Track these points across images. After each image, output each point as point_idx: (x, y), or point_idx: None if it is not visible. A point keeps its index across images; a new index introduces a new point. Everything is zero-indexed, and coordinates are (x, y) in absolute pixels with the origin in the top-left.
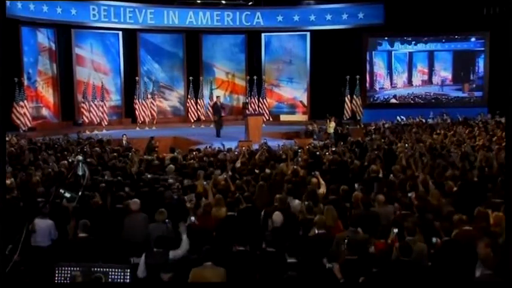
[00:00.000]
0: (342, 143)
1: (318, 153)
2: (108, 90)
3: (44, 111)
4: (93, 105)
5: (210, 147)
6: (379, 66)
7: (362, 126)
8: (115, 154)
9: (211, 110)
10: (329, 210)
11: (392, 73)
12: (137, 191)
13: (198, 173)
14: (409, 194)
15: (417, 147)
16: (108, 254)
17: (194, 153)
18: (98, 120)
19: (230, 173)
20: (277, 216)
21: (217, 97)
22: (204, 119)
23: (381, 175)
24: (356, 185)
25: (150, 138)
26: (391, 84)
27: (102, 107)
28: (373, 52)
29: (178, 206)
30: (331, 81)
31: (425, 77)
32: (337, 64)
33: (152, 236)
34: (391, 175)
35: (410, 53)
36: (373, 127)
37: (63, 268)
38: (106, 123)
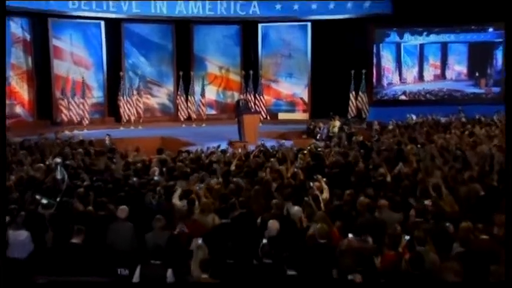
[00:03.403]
0: (345, 143)
1: (320, 153)
2: (89, 86)
3: (18, 109)
4: (73, 103)
5: (201, 148)
6: (387, 60)
7: (368, 125)
8: (93, 156)
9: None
10: (324, 217)
11: (402, 67)
12: (116, 196)
13: (190, 177)
14: (426, 202)
15: (429, 149)
16: (93, 264)
17: (183, 154)
18: (78, 119)
19: (221, 178)
20: (273, 224)
21: (242, 94)
22: (195, 117)
23: (388, 179)
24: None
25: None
26: (400, 79)
27: (83, 105)
28: (381, 44)
29: (158, 213)
30: (334, 77)
31: (438, 72)
32: (340, 58)
33: (149, 245)
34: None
35: (422, 45)
36: (378, 126)
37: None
38: (87, 122)
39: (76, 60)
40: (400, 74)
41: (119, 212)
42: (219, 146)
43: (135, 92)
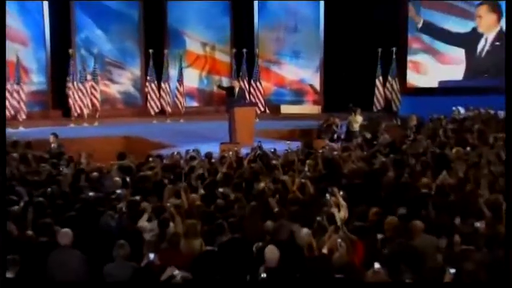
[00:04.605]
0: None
1: (336, 158)
2: (26, 69)
3: None
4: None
5: (179, 152)
6: (426, 34)
7: (401, 121)
8: (33, 163)
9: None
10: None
11: (446, 43)
12: (64, 216)
13: (165, 189)
14: (477, 223)
15: (482, 152)
16: None
17: (154, 160)
18: (12, 113)
19: (204, 191)
20: (271, 251)
21: (233, 80)
22: (170, 111)
23: (433, 192)
24: None
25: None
26: (444, 59)
27: (18, 93)
28: (418, 12)
29: (119, 238)
30: (354, 57)
31: (496, 49)
32: (363, 31)
33: (109, 281)
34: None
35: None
36: (415, 122)
37: None
38: (24, 117)
39: (8, 34)
40: (443, 53)
41: (59, 237)
42: (198, 151)
43: (89, 77)
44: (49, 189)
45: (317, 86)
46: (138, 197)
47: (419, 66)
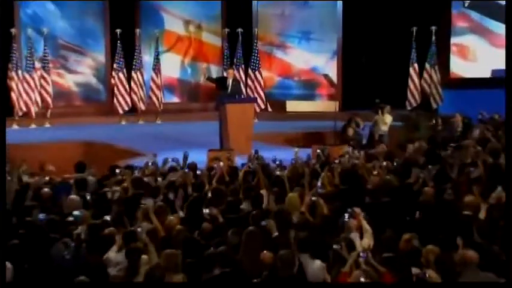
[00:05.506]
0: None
1: (358, 169)
2: None
3: None
4: None
5: (154, 161)
6: (476, 9)
7: (443, 121)
8: None
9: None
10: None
11: (500, 22)
12: (6, 244)
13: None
14: None
15: None
16: None
17: (118, 170)
18: None
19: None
20: None
21: (229, 69)
22: (143, 108)
23: (482, 215)
24: None
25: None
26: (499, 41)
27: None
28: None
29: (75, 273)
30: (382, 39)
31: None
32: (393, 5)
33: None
34: None
35: None
36: (460, 123)
37: None
38: None
39: None
40: (497, 33)
41: None
42: (185, 158)
43: (38, 65)
44: None
45: (333, 76)
46: (102, 220)
47: (466, 50)
